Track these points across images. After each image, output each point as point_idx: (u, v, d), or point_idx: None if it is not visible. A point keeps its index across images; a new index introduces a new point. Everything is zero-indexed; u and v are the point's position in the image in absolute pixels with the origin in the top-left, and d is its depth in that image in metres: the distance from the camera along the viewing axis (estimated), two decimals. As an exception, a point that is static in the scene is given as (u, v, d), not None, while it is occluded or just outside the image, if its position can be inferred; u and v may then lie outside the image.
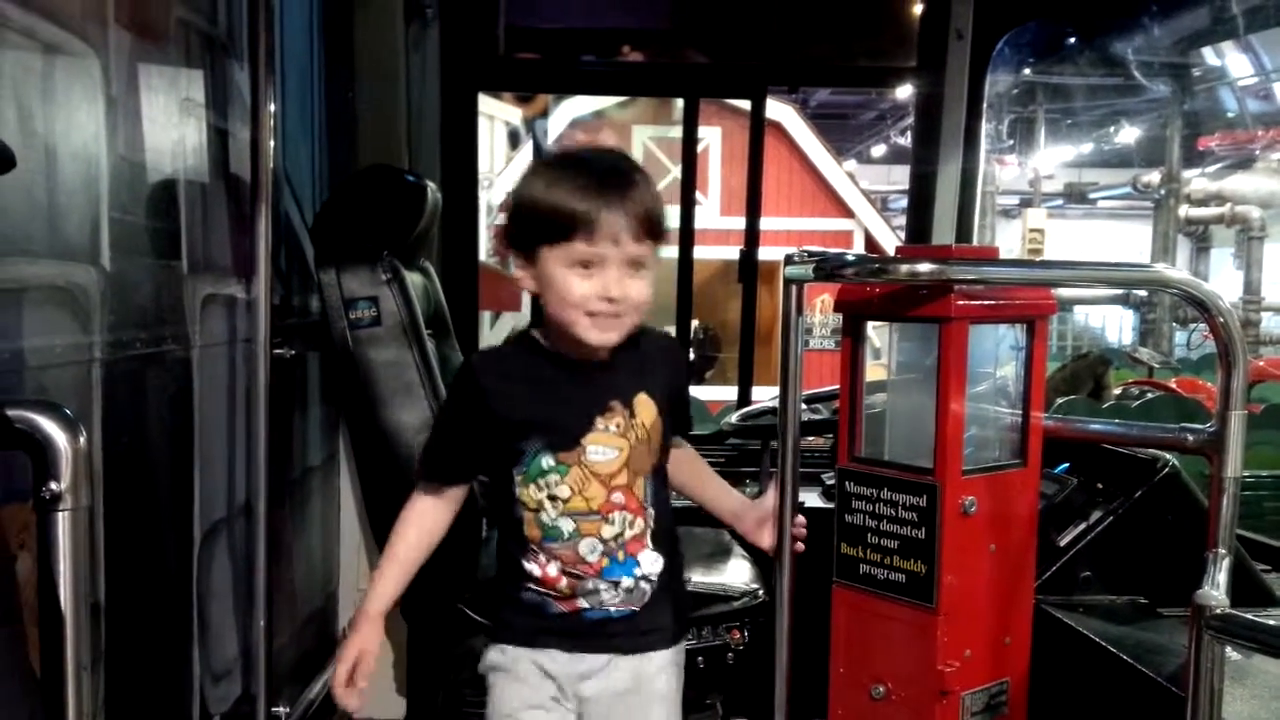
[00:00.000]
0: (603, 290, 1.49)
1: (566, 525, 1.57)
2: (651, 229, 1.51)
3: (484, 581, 2.38)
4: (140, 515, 1.76)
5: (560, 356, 1.59)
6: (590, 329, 1.51)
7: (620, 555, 1.59)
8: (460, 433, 1.62)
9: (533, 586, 1.61)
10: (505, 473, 1.59)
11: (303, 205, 2.73)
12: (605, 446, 1.57)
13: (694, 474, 1.81)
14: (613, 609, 1.60)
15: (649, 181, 1.54)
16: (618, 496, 1.58)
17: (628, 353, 1.59)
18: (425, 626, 2.62)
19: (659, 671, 1.66)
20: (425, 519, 1.67)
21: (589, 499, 1.57)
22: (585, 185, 1.48)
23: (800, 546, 1.69)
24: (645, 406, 1.60)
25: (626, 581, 1.59)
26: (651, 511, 1.61)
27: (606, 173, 1.51)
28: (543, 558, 1.59)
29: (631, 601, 1.60)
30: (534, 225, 1.51)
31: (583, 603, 1.59)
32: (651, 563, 1.61)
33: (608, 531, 1.58)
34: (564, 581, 1.58)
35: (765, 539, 1.73)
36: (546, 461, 1.56)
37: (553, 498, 1.56)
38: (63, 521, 1.00)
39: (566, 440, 1.56)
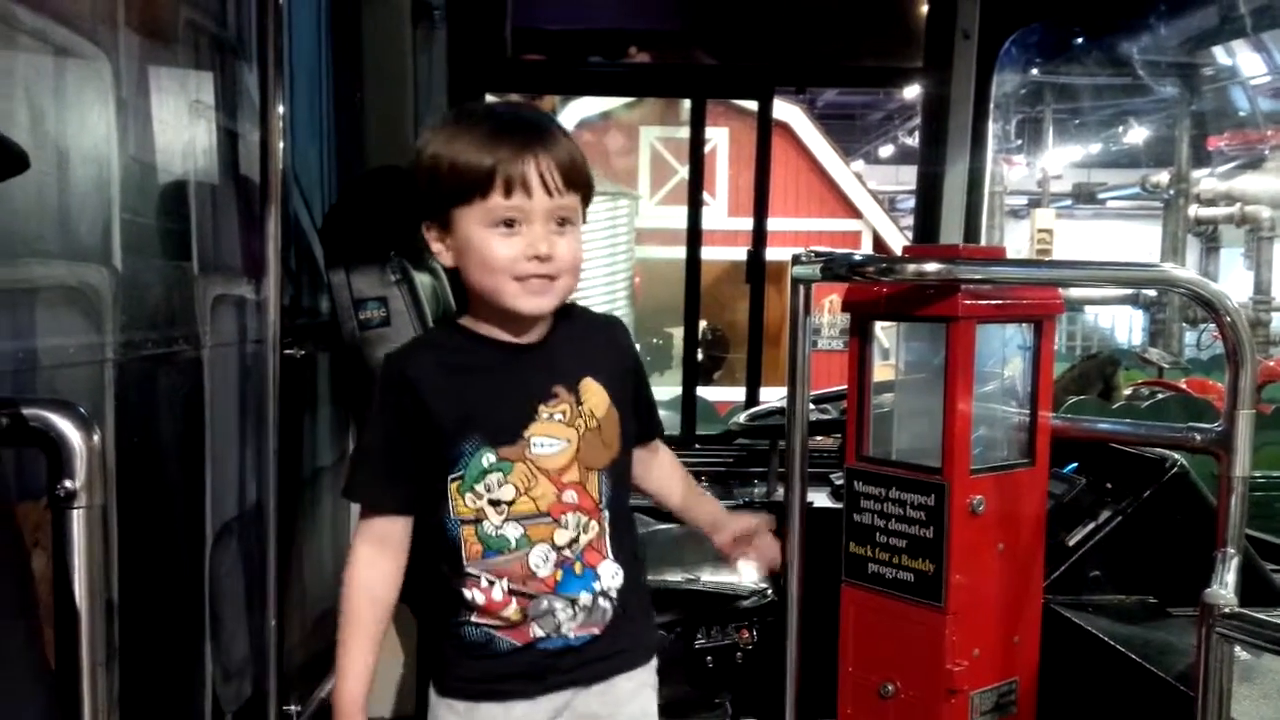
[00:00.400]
0: (529, 249, 1.31)
1: (513, 532, 1.35)
2: (575, 178, 1.33)
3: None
4: (152, 515, 1.77)
5: (490, 340, 1.39)
6: (520, 295, 1.32)
7: (577, 567, 1.38)
8: (400, 444, 1.36)
9: (475, 620, 1.38)
10: (436, 486, 1.36)
11: (312, 206, 2.74)
12: (551, 438, 1.36)
13: (666, 479, 1.62)
14: (572, 635, 1.38)
15: (563, 129, 1.37)
16: (569, 495, 1.37)
17: (565, 332, 1.42)
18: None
19: (633, 695, 1.46)
20: (383, 569, 1.39)
21: (537, 499, 1.36)
22: (495, 133, 1.31)
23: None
24: (593, 392, 1.40)
25: (584, 598, 1.38)
26: (608, 514, 1.40)
27: (516, 121, 1.34)
28: (485, 579, 1.36)
29: (592, 624, 1.39)
30: (442, 185, 1.32)
31: (536, 629, 1.37)
32: (611, 576, 1.40)
33: (561, 537, 1.37)
34: (512, 605, 1.36)
35: (743, 556, 1.60)
36: (487, 459, 1.34)
37: (495, 502, 1.35)
38: (78, 519, 1.01)
39: (507, 433, 1.35)
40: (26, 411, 1.01)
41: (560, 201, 1.32)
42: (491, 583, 1.36)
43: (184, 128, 1.93)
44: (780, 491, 1.85)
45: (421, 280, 2.48)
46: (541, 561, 1.36)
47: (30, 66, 1.41)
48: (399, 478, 1.37)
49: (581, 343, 1.44)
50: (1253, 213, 16.07)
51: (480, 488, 1.35)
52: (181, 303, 1.88)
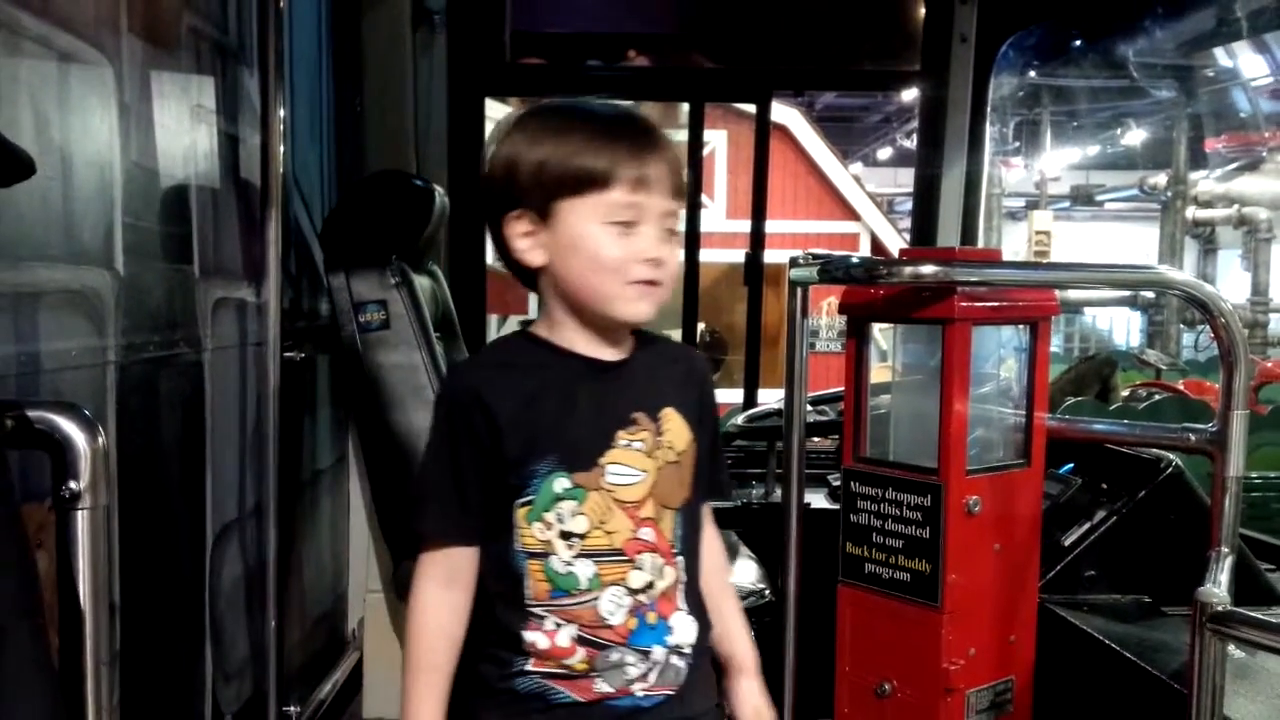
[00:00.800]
0: (644, 251, 1.19)
1: (584, 571, 1.20)
2: (682, 188, 1.24)
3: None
4: (154, 516, 1.78)
5: (571, 354, 1.24)
6: (626, 300, 1.19)
7: (650, 616, 1.22)
8: (472, 469, 1.22)
9: (532, 669, 1.21)
10: (500, 512, 1.22)
11: (312, 210, 2.76)
12: (629, 468, 1.22)
13: (704, 555, 1.34)
14: (641, 695, 1.22)
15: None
16: (646, 533, 1.23)
17: (646, 355, 1.29)
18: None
19: None
20: (455, 606, 1.24)
21: (611, 534, 1.21)
22: (615, 126, 1.21)
23: None
24: (675, 424, 1.26)
25: (658, 653, 1.22)
26: (682, 560, 1.26)
27: (633, 119, 1.24)
28: (550, 622, 1.21)
29: (665, 684, 1.23)
30: (550, 172, 1.18)
31: (603, 685, 1.20)
32: (685, 630, 1.25)
33: (636, 579, 1.22)
34: (579, 653, 1.20)
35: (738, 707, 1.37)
36: (560, 484, 1.20)
37: (566, 535, 1.20)
38: (82, 520, 1.02)
39: (583, 458, 1.21)
40: (31, 414, 1.02)
41: (673, 206, 1.22)
42: (558, 625, 1.21)
43: (185, 132, 1.94)
44: (778, 493, 1.86)
45: (421, 284, 2.49)
46: (614, 607, 1.21)
47: (34, 72, 1.43)
48: (470, 506, 1.22)
49: (663, 369, 1.30)
50: (1250, 214, 16.09)
51: (550, 516, 1.20)
52: (182, 306, 1.90)
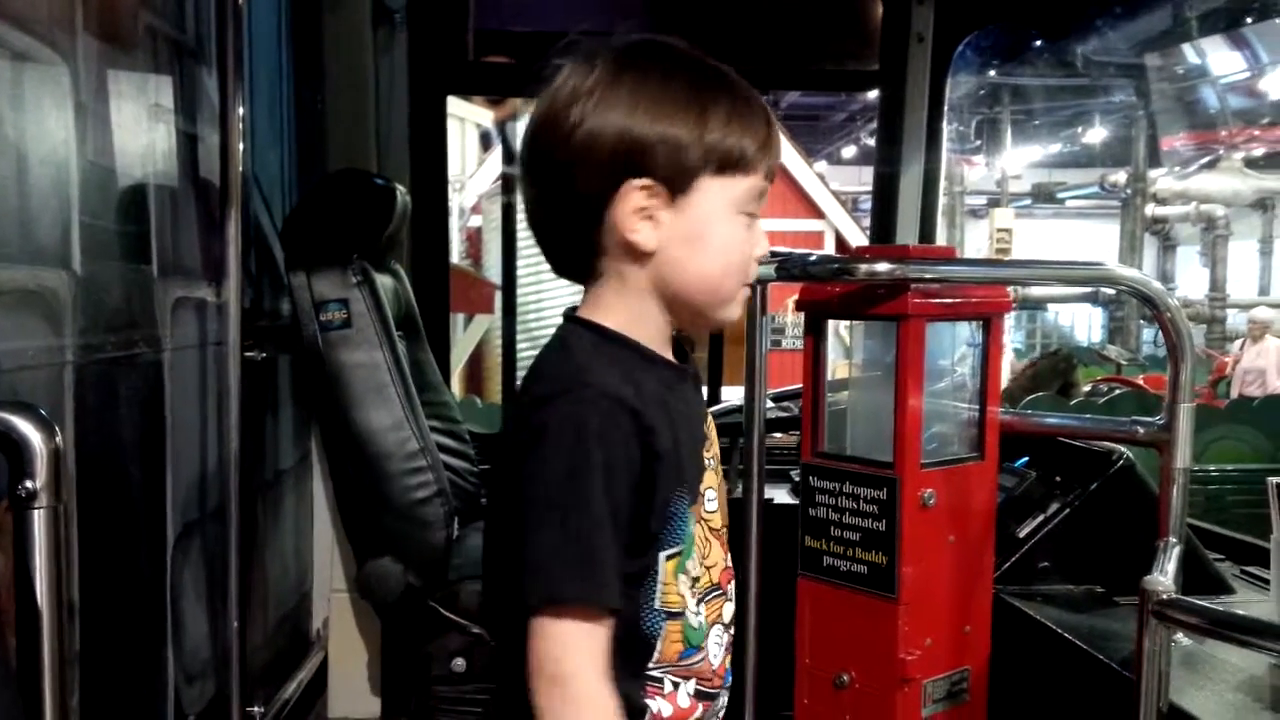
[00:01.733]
0: (763, 248, 1.06)
1: (701, 619, 1.04)
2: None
3: (454, 580, 2.40)
4: (113, 517, 1.78)
5: (656, 358, 1.05)
6: (738, 302, 1.05)
7: (730, 647, 1.10)
8: (631, 517, 0.96)
9: None
10: (646, 565, 1.00)
11: (272, 209, 2.75)
12: (713, 490, 1.07)
13: None
14: None
15: None
16: (728, 559, 1.10)
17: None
18: (399, 625, 2.64)
19: None
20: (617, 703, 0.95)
21: (711, 569, 1.06)
22: (756, 101, 1.03)
23: None
24: (714, 434, 1.13)
25: (725, 693, 1.10)
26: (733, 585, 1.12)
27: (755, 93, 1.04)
28: (668, 683, 1.03)
29: None
30: (704, 139, 0.98)
31: None
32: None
33: (727, 612, 1.08)
34: (698, 710, 1.05)
35: None
36: (691, 525, 1.02)
37: (695, 579, 1.03)
38: (39, 519, 1.02)
39: (693, 486, 1.03)
40: (-14, 414, 1.02)
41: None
42: (675, 685, 1.03)
43: (143, 131, 1.93)
44: (740, 488, 1.89)
45: (383, 282, 2.49)
46: (718, 649, 1.06)
47: (-13, 71, 1.42)
48: (619, 563, 0.95)
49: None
50: (1208, 211, 16.36)
51: (691, 564, 1.02)
52: (141, 305, 1.89)
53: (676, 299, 1.03)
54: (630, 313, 1.03)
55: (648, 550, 0.99)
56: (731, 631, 1.09)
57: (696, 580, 1.03)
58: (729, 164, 0.99)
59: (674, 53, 1.05)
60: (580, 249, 1.03)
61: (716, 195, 1.00)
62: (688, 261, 1.01)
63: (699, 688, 1.04)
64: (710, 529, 1.06)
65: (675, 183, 0.98)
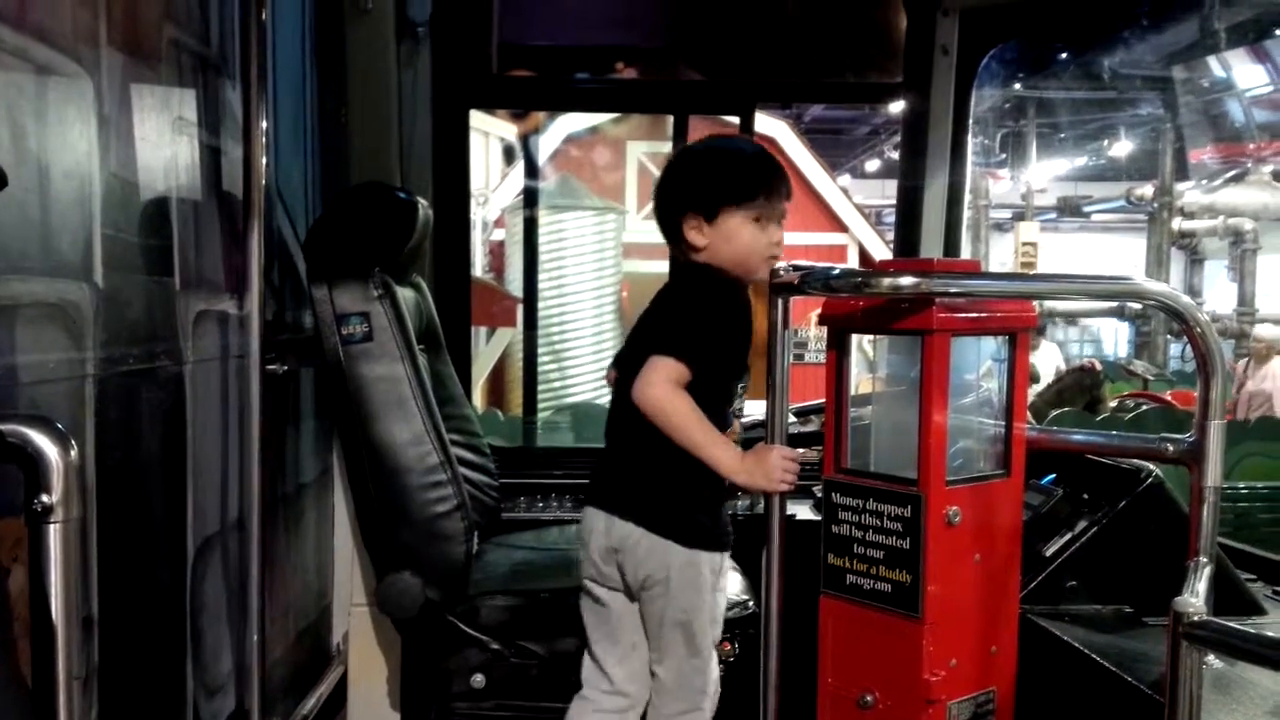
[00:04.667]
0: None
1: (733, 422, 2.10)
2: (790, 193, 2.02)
3: (474, 595, 2.39)
4: (134, 530, 1.78)
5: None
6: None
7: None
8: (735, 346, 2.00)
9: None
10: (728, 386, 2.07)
11: (295, 222, 2.76)
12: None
13: None
14: None
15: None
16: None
17: None
18: (419, 640, 2.63)
19: None
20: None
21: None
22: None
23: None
24: None
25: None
26: None
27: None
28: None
29: None
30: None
31: None
32: None
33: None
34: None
35: None
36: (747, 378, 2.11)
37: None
38: (54, 534, 1.02)
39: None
40: (3, 427, 1.02)
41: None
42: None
43: (166, 144, 1.94)
44: (762, 504, 1.86)
45: (405, 296, 2.49)
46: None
47: (11, 84, 1.43)
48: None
49: None
50: (1235, 225, 16.20)
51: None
52: (163, 318, 1.89)
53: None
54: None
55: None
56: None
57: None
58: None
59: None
60: None
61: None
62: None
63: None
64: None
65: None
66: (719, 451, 1.87)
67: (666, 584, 1.97)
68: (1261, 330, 10.39)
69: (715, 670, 2.11)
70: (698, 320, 1.93)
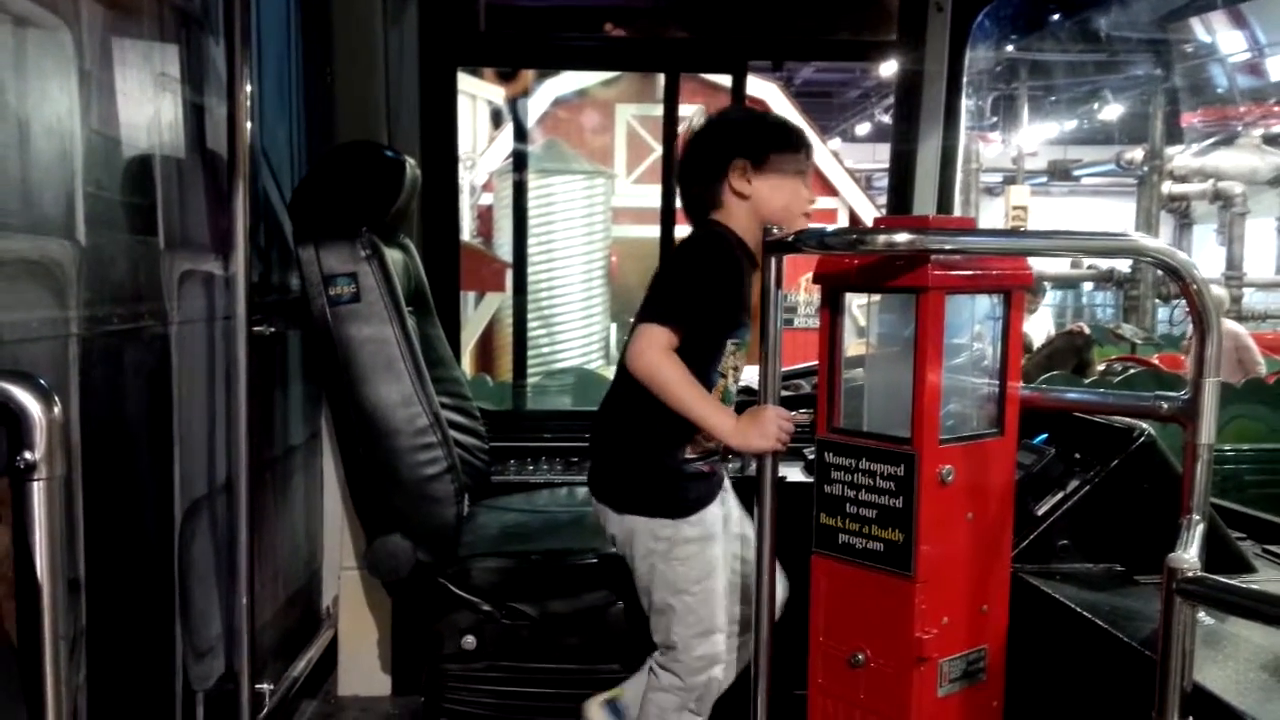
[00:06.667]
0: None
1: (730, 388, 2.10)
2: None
3: (464, 557, 2.38)
4: (120, 491, 1.76)
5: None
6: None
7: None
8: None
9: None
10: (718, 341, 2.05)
11: (281, 181, 2.72)
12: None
13: None
14: None
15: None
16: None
17: None
18: (409, 602, 2.63)
19: None
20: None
21: (738, 369, 2.08)
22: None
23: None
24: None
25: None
26: None
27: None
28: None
29: None
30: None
31: None
32: None
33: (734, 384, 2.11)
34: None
35: None
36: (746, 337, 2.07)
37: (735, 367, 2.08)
38: (38, 491, 1.00)
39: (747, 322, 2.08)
40: (-16, 383, 1.00)
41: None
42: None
43: (149, 101, 1.90)
44: (753, 466, 1.86)
45: (393, 257, 2.46)
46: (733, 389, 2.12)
47: (-13, 36, 1.39)
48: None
49: None
50: (1225, 189, 16.17)
51: (736, 358, 2.07)
52: (148, 278, 1.87)
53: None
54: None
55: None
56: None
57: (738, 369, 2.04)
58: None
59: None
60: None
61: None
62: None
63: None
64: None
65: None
66: (712, 415, 1.89)
67: (630, 552, 2.05)
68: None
69: (701, 651, 2.04)
70: (683, 283, 1.99)
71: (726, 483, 2.14)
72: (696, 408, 1.89)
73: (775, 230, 1.73)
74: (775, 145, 1.99)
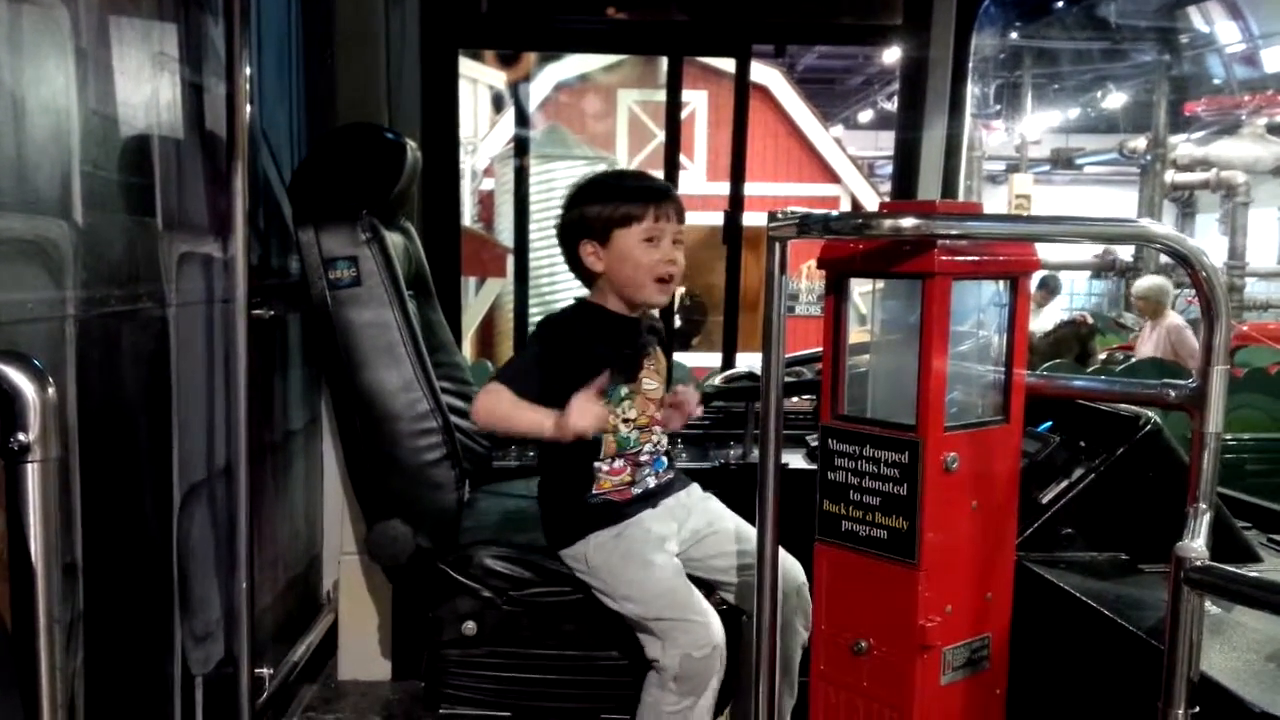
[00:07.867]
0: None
1: (634, 436, 2.16)
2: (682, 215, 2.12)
3: (465, 543, 2.37)
4: (117, 474, 1.75)
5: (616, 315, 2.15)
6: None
7: (663, 452, 2.23)
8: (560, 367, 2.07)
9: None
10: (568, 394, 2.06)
11: (280, 163, 2.70)
12: (651, 380, 2.17)
13: None
14: None
15: None
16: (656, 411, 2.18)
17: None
18: (409, 588, 2.62)
19: None
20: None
21: (642, 414, 2.15)
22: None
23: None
24: (659, 353, 2.22)
25: (657, 470, 2.22)
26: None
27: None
28: (609, 463, 2.17)
29: None
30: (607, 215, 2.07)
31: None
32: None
33: (657, 438, 2.20)
34: (626, 471, 2.19)
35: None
36: (622, 391, 2.12)
37: (629, 419, 2.14)
38: (32, 473, 0.98)
39: (630, 375, 2.14)
40: (-23, 364, 0.98)
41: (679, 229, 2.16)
42: (613, 460, 2.15)
43: (147, 80, 1.88)
44: (756, 453, 1.84)
45: (393, 240, 2.44)
46: (648, 451, 2.19)
47: (-18, 13, 1.37)
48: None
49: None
50: (1228, 178, 16.13)
51: (624, 407, 2.15)
52: (145, 260, 1.85)
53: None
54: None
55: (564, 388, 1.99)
56: (663, 445, 2.22)
57: (631, 419, 2.14)
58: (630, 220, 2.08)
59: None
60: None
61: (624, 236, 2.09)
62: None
63: (626, 464, 2.15)
64: (646, 398, 2.15)
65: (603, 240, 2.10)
66: (535, 417, 2.00)
67: (588, 580, 2.15)
68: (1146, 284, 8.58)
69: (679, 651, 2.02)
70: (525, 352, 2.22)
71: (677, 501, 2.20)
72: (523, 421, 2.01)
73: (780, 215, 1.71)
74: (618, 221, 2.06)
